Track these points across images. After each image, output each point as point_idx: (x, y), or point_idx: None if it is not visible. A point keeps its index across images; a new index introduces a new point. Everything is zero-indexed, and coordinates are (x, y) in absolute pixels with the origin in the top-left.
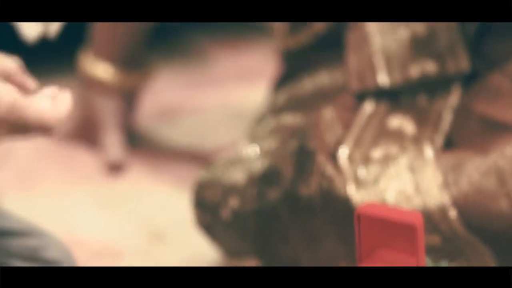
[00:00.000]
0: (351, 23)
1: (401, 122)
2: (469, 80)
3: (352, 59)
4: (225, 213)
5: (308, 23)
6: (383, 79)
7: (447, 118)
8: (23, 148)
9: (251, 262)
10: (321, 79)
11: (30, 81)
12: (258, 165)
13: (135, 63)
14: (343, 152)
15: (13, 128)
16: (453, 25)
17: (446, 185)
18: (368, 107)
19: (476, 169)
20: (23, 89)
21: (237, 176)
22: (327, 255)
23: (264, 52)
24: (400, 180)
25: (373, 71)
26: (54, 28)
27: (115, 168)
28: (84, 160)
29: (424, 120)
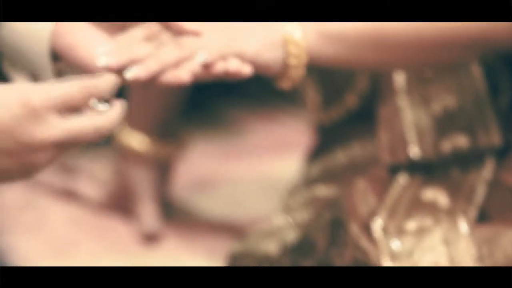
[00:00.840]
0: (383, 98)
1: (434, 195)
2: (502, 153)
3: (384, 133)
4: None
5: (340, 99)
6: (414, 152)
7: (480, 191)
8: (57, 216)
9: None
10: (354, 151)
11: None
12: (292, 237)
13: (170, 134)
14: (377, 224)
15: (71, 148)
16: (484, 98)
17: (480, 258)
18: (402, 179)
19: (511, 243)
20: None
21: (271, 247)
22: None
23: (298, 124)
24: (434, 253)
25: (404, 145)
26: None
27: (150, 239)
28: (119, 230)
29: (457, 192)
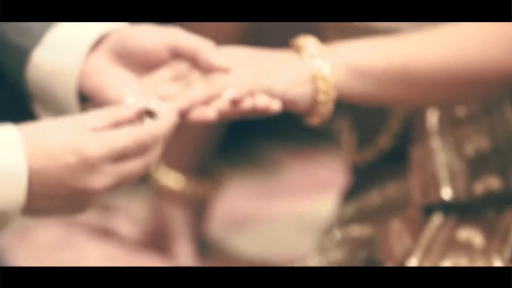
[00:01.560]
0: (416, 139)
1: (469, 235)
2: None
3: (417, 174)
4: None
5: (373, 140)
6: (447, 193)
7: None
8: (93, 254)
9: None
10: (388, 191)
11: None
12: None
13: (206, 173)
14: (412, 264)
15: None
16: None
17: None
18: (436, 219)
19: None
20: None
21: None
22: None
23: (334, 163)
24: None
25: (437, 186)
26: None
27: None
28: None
29: (492, 233)
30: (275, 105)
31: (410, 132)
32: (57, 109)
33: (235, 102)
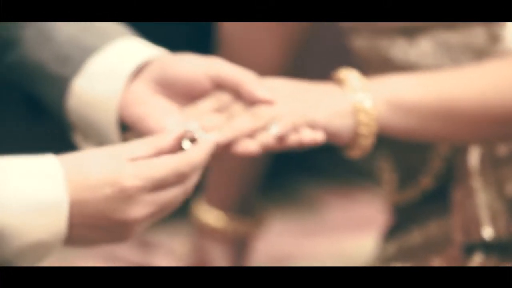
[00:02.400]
0: (457, 179)
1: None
2: None
3: (458, 213)
4: None
5: (415, 181)
6: (488, 233)
7: None
8: None
9: None
10: (430, 231)
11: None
12: None
13: (247, 211)
14: None
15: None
16: None
17: None
18: (477, 259)
19: None
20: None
21: None
22: None
23: (375, 201)
24: None
25: (478, 225)
26: None
27: None
28: None
29: None
30: (319, 136)
31: (451, 171)
32: (98, 139)
33: (280, 138)
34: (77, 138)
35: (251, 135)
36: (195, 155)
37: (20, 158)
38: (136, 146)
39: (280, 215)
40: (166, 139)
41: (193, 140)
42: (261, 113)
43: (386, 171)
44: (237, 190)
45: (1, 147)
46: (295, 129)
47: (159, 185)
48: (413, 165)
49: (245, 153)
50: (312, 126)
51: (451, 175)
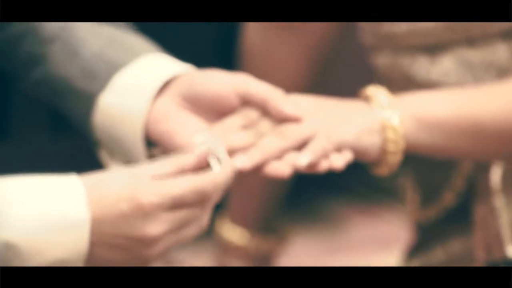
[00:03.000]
0: (480, 197)
1: None
2: None
3: (480, 231)
4: None
5: (437, 198)
6: (511, 251)
7: None
8: None
9: None
10: (452, 248)
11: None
12: None
13: (271, 228)
14: None
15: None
16: None
17: None
18: None
19: None
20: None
21: None
22: None
23: (398, 219)
24: None
25: (500, 243)
26: None
27: None
28: None
29: None
30: (348, 157)
31: (474, 189)
32: (124, 155)
33: (311, 165)
34: (103, 155)
35: (280, 156)
36: (217, 175)
37: (42, 177)
38: (159, 165)
39: (303, 232)
40: (189, 158)
41: (218, 160)
42: (290, 132)
43: (409, 188)
44: (261, 208)
45: (26, 164)
46: (325, 155)
47: (177, 203)
48: (436, 183)
49: (276, 176)
50: (341, 146)
51: (473, 193)
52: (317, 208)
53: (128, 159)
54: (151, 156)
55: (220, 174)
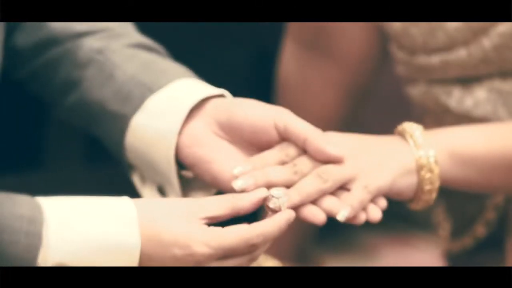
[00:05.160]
0: (510, 229)
1: None
2: None
3: None
4: None
5: (469, 229)
6: None
7: None
8: None
9: None
10: None
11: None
12: None
13: (303, 259)
14: None
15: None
16: None
17: None
18: None
19: None
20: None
21: None
22: None
23: (429, 250)
24: None
25: None
26: None
27: None
28: None
29: None
30: (383, 205)
31: (505, 220)
32: (155, 178)
33: (350, 218)
34: (135, 179)
35: (318, 199)
36: (269, 228)
37: (96, 199)
38: (212, 204)
39: (335, 263)
40: (245, 200)
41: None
42: (329, 174)
43: (441, 220)
44: (293, 239)
45: (60, 193)
46: (364, 209)
47: (228, 254)
48: (468, 214)
49: (312, 221)
50: (378, 194)
51: (505, 223)
52: (348, 238)
53: (159, 183)
54: (182, 178)
55: (272, 227)
